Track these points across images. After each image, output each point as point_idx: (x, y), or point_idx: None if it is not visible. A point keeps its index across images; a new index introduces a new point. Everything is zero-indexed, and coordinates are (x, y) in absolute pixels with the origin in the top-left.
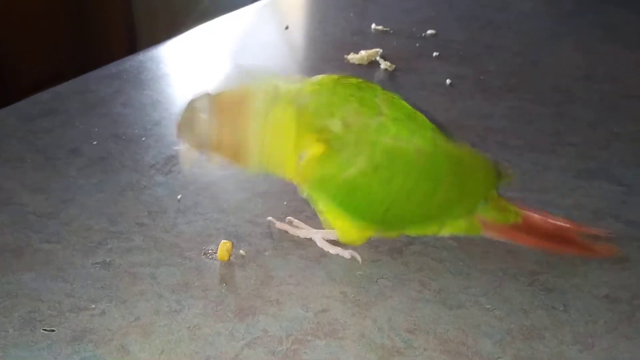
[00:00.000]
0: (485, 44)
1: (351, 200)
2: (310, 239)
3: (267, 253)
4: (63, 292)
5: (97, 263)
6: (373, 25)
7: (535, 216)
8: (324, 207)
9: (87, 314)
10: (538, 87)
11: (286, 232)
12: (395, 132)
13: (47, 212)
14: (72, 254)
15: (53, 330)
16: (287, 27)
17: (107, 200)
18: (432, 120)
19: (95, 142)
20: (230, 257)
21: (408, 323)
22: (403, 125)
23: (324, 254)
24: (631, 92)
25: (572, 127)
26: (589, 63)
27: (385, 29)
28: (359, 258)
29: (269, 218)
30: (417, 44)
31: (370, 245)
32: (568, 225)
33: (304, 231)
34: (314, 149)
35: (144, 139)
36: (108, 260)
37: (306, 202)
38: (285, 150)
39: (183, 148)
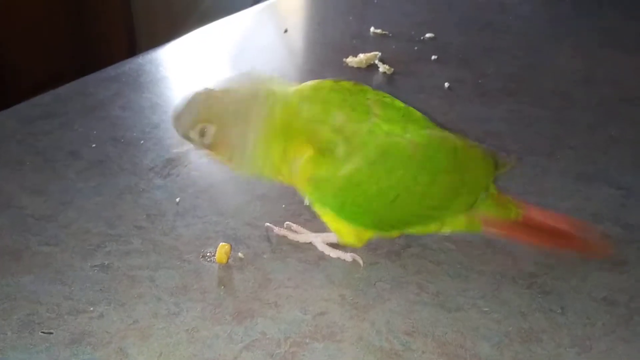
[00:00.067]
0: (484, 48)
1: (349, 199)
2: (310, 243)
3: (265, 256)
4: (61, 295)
5: (95, 266)
6: (372, 29)
7: (536, 212)
8: (321, 211)
9: (85, 317)
10: (537, 90)
11: (285, 237)
12: (387, 129)
13: (45, 215)
14: (71, 256)
15: (51, 333)
16: (286, 30)
17: (106, 203)
18: None
19: (94, 145)
20: (229, 260)
21: (406, 326)
22: (396, 124)
23: (322, 257)
24: (630, 95)
25: (571, 131)
26: (587, 67)
27: (384, 32)
28: (360, 261)
29: (267, 224)
30: (416, 47)
31: (369, 248)
32: (568, 223)
33: (303, 236)
34: (308, 152)
35: (142, 142)
36: (106, 263)
37: (305, 206)
38: (278, 155)
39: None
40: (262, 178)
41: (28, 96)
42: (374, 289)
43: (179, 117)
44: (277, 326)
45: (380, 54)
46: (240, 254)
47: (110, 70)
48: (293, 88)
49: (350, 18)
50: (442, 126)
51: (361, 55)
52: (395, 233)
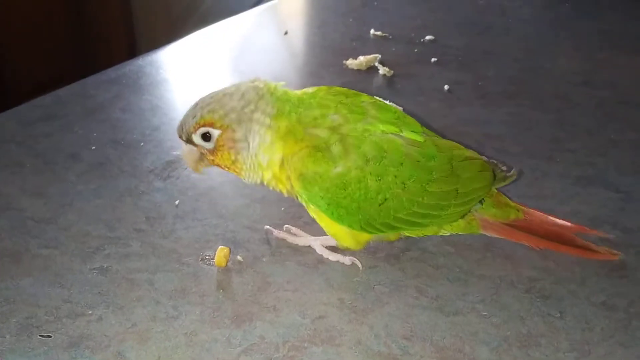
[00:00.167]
0: (483, 50)
1: (335, 201)
2: (309, 246)
3: (264, 259)
4: (60, 298)
5: (94, 269)
6: (372, 31)
7: (536, 213)
8: (317, 215)
9: (84, 320)
10: (537, 93)
11: (284, 240)
12: (383, 129)
13: (45, 217)
14: (70, 259)
15: (50, 336)
16: (286, 32)
17: (106, 205)
18: (429, 126)
19: (94, 147)
20: (228, 263)
21: (405, 330)
22: (391, 125)
23: (321, 261)
24: (629, 98)
25: (570, 134)
26: (587, 69)
27: (384, 34)
28: (359, 264)
29: (267, 227)
30: (416, 50)
31: (368, 251)
32: (568, 224)
33: (302, 239)
34: (302, 152)
35: (142, 144)
36: (106, 266)
37: (304, 208)
38: (278, 163)
39: (185, 148)
40: (262, 184)
41: (28, 98)
42: (373, 292)
43: (182, 121)
44: (276, 330)
45: (380, 56)
46: (239, 257)
47: (111, 72)
48: (294, 94)
49: (350, 20)
50: (442, 129)
51: (361, 58)
52: (392, 235)
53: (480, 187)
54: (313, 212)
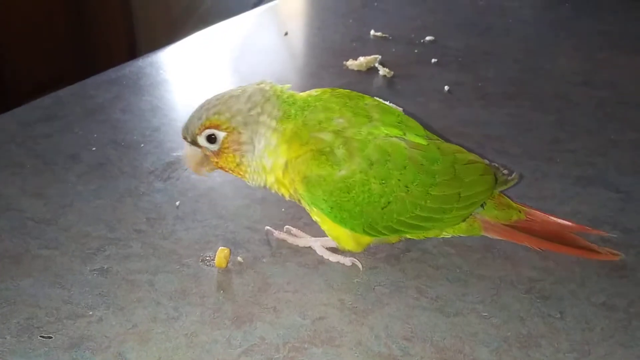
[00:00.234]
0: (483, 51)
1: (338, 204)
2: (309, 247)
3: (264, 260)
4: (61, 299)
5: (95, 270)
6: (372, 32)
7: (537, 213)
8: (320, 218)
9: (84, 321)
10: (537, 93)
11: (285, 241)
12: (387, 132)
13: (45, 218)
14: (70, 260)
15: (50, 337)
16: (286, 33)
17: (106, 206)
18: (429, 127)
19: (94, 148)
20: (228, 264)
21: (405, 331)
22: (394, 128)
23: (321, 261)
24: (629, 98)
25: (570, 134)
26: (587, 69)
27: (384, 35)
28: (359, 265)
29: (267, 227)
30: (416, 51)
31: (368, 252)
32: (570, 224)
33: (302, 240)
34: (307, 155)
35: (142, 145)
36: (106, 267)
37: (304, 209)
38: (282, 167)
39: (188, 149)
40: (265, 187)
41: (28, 99)
42: (373, 293)
43: (188, 123)
44: (276, 331)
45: (380, 57)
46: (239, 258)
47: (111, 73)
48: (300, 97)
49: (351, 21)
50: (442, 130)
51: (361, 59)
52: (394, 238)
53: (482, 191)
54: (316, 214)
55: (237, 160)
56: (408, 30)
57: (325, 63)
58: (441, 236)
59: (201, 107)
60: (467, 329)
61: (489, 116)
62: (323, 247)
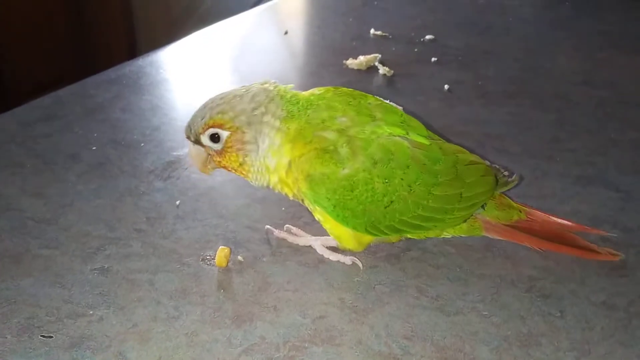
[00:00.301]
0: (484, 50)
1: (341, 203)
2: (309, 246)
3: (265, 259)
4: (61, 298)
5: (95, 269)
6: (372, 31)
7: (538, 213)
8: (323, 217)
9: (85, 320)
10: (537, 93)
11: (285, 240)
12: (390, 132)
13: (45, 218)
14: (71, 259)
15: (51, 337)
16: (286, 32)
17: (106, 205)
18: (429, 125)
19: (94, 148)
20: (229, 263)
21: (405, 330)
22: (397, 127)
23: (322, 260)
24: (629, 98)
25: (570, 133)
26: (587, 69)
27: (384, 34)
28: (360, 264)
29: (267, 227)
30: (416, 49)
31: (369, 251)
32: (570, 224)
33: (303, 239)
34: (310, 153)
35: (142, 144)
36: (106, 266)
37: (304, 208)
38: (285, 166)
39: (192, 148)
40: (268, 187)
41: (28, 98)
42: (374, 292)
43: (191, 122)
44: (277, 330)
45: (380, 55)
46: (240, 257)
47: (111, 73)
48: (303, 96)
49: (350, 20)
50: (442, 129)
51: (361, 57)
52: (395, 237)
53: (483, 192)
54: (319, 213)
55: (240, 159)
56: (408, 29)
57: (325, 62)
58: (442, 236)
59: (204, 106)
60: (467, 328)
61: (489, 115)
62: (323, 246)
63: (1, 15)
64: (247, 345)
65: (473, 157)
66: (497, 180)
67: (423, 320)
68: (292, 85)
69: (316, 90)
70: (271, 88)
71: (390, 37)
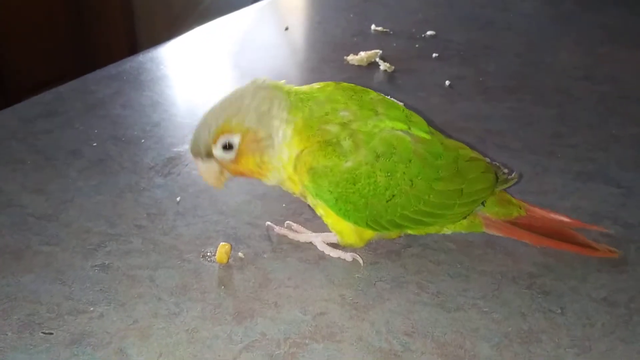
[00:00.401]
0: (485, 45)
1: (343, 196)
2: (310, 242)
3: (265, 255)
4: (62, 295)
5: (96, 265)
6: (373, 26)
7: (537, 210)
8: (325, 212)
9: (85, 317)
10: (538, 88)
11: (286, 236)
12: (392, 126)
13: (46, 214)
14: (71, 256)
15: (52, 333)
16: (287, 28)
17: (106, 202)
18: (430, 121)
19: (94, 144)
20: (229, 260)
21: (406, 326)
22: (400, 122)
23: (322, 257)
24: (630, 93)
25: (571, 129)
26: (588, 64)
27: (385, 29)
28: (360, 260)
29: (268, 223)
30: (417, 45)
31: (369, 247)
32: (570, 221)
33: (303, 235)
34: (313, 146)
35: (143, 140)
36: (107, 262)
37: (305, 205)
38: (292, 162)
39: (204, 165)
40: (283, 186)
41: (28, 95)
42: (374, 288)
43: (196, 139)
44: (277, 326)
45: (381, 51)
46: (240, 254)
47: (111, 69)
48: (300, 89)
49: (351, 15)
50: (443, 124)
51: (362, 53)
52: (395, 233)
53: (484, 189)
54: (321, 208)
55: (258, 159)
56: (409, 25)
57: (326, 58)
58: (442, 232)
59: (205, 119)
60: (468, 324)
61: (490, 110)
62: (324, 242)
63: (1, 15)
64: (248, 341)
65: (474, 154)
66: (497, 178)
67: (424, 317)
68: (283, 80)
69: (315, 85)
70: (267, 83)
71: (391, 32)
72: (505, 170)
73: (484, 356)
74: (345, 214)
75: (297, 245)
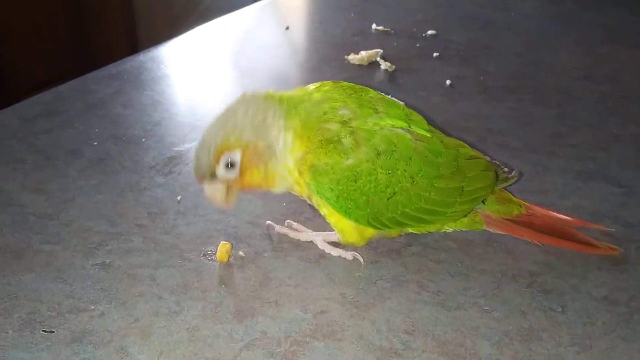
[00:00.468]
0: (485, 45)
1: (344, 193)
2: (310, 241)
3: (266, 254)
4: (63, 294)
5: (96, 264)
6: (374, 26)
7: (538, 208)
8: (327, 210)
9: (86, 315)
10: (538, 88)
11: (286, 235)
12: (392, 124)
13: (47, 213)
14: (72, 255)
15: (52, 332)
16: (287, 28)
17: (107, 201)
18: (431, 120)
19: (95, 143)
20: (230, 259)
21: (406, 324)
22: (400, 120)
23: (323, 256)
24: (630, 93)
25: (572, 128)
26: (588, 64)
27: (385, 29)
28: (361, 259)
29: (268, 222)
30: (418, 45)
31: (370, 246)
32: (570, 219)
33: (304, 234)
34: (315, 144)
35: (144, 139)
36: (108, 261)
37: (305, 204)
38: (296, 162)
39: (210, 187)
40: (292, 191)
41: (29, 95)
42: (375, 287)
43: (198, 162)
44: (278, 325)
45: (381, 51)
46: (241, 253)
47: (111, 68)
48: (291, 94)
49: (352, 15)
50: (443, 124)
51: (363, 53)
52: (396, 232)
53: (484, 187)
54: (325, 207)
55: (262, 170)
56: (410, 24)
57: (327, 57)
58: (443, 230)
59: (202, 142)
60: (468, 323)
61: (491, 110)
62: (324, 241)
63: (1, 15)
64: (249, 340)
65: (473, 152)
66: (497, 176)
67: (424, 315)
68: (272, 88)
69: (311, 86)
70: (255, 95)
71: (391, 32)
72: (505, 169)
73: (485, 355)
74: (346, 212)
75: (298, 244)
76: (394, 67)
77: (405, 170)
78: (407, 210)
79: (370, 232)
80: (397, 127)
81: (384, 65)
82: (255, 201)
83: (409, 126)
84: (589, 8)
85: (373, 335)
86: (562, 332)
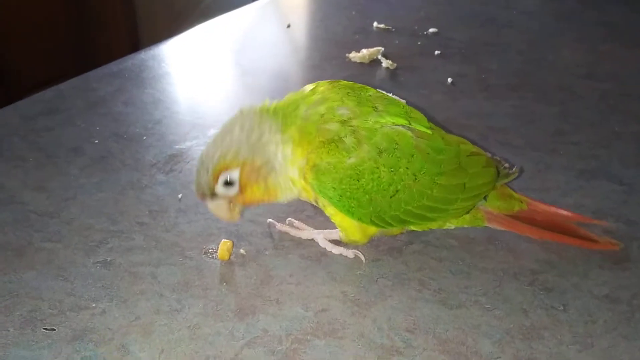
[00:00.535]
0: (487, 43)
1: (347, 192)
2: (312, 239)
3: (267, 252)
4: (64, 291)
5: (97, 262)
6: (375, 24)
7: (539, 204)
8: (332, 210)
9: (87, 313)
10: (540, 85)
11: (287, 233)
12: (392, 122)
13: (48, 211)
14: (73, 253)
15: (54, 330)
16: (289, 26)
17: (108, 199)
18: (433, 118)
19: (96, 141)
20: (231, 257)
21: (407, 323)
22: (400, 117)
23: (324, 254)
24: (632, 90)
25: (573, 126)
26: (590, 62)
27: (387, 27)
28: (362, 257)
29: (270, 220)
30: (419, 42)
31: (371, 244)
32: (571, 215)
33: (305, 232)
34: (317, 145)
35: (145, 137)
36: (109, 259)
37: (306, 202)
38: (300, 167)
39: (213, 204)
40: (300, 197)
41: (30, 93)
42: (376, 285)
43: (198, 183)
44: (279, 323)
45: (383, 49)
46: (242, 251)
47: (113, 66)
48: (285, 102)
49: (353, 13)
50: (445, 122)
51: (364, 51)
52: (397, 229)
53: (486, 183)
54: (330, 208)
55: (263, 186)
56: (411, 22)
57: (328, 55)
58: (445, 227)
59: (201, 161)
60: (469, 321)
61: (492, 108)
62: (326, 239)
63: (1, 15)
64: (250, 338)
65: (474, 149)
66: (498, 172)
67: (425, 313)
68: (266, 99)
69: (307, 87)
70: (251, 110)
71: (393, 30)
72: (506, 165)
73: (486, 353)
74: (349, 211)
75: (299, 242)
76: (395, 65)
77: (407, 168)
78: (410, 207)
79: (372, 230)
80: (398, 125)
81: (385, 63)
82: None
83: (410, 124)
84: (591, 6)
85: (374, 333)
86: (563, 331)
